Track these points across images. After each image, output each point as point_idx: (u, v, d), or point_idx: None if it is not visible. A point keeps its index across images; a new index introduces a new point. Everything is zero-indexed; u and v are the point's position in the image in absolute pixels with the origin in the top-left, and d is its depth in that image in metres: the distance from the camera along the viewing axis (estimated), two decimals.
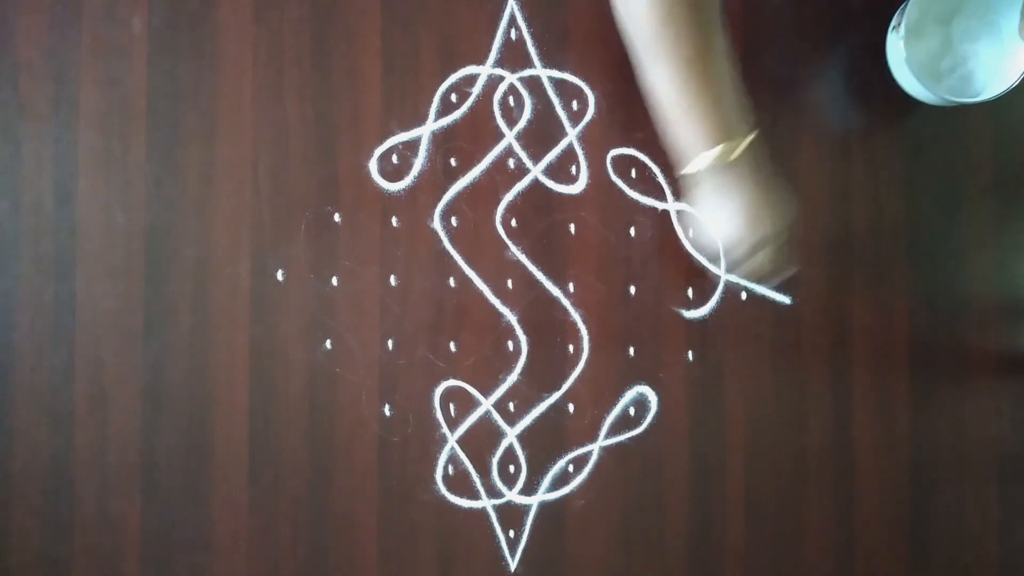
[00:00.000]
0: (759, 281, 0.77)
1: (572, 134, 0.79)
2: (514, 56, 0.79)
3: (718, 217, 0.70)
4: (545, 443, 0.78)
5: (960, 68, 0.77)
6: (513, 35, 0.79)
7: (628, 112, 0.79)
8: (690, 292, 0.79)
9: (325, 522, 0.77)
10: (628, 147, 0.79)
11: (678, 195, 0.79)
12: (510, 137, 0.78)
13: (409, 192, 0.78)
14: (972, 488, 0.80)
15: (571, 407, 0.79)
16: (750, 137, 0.66)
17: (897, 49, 0.75)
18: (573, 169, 0.79)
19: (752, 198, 0.68)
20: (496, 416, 0.78)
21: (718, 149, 0.65)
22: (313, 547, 0.77)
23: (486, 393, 0.78)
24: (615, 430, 0.79)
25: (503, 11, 0.78)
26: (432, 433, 0.78)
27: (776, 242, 0.71)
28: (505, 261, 0.78)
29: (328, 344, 0.78)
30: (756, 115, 0.68)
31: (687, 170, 0.67)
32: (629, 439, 0.79)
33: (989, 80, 0.76)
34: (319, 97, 0.78)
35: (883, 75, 0.79)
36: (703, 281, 0.79)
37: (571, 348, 0.79)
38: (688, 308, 0.79)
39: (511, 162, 0.79)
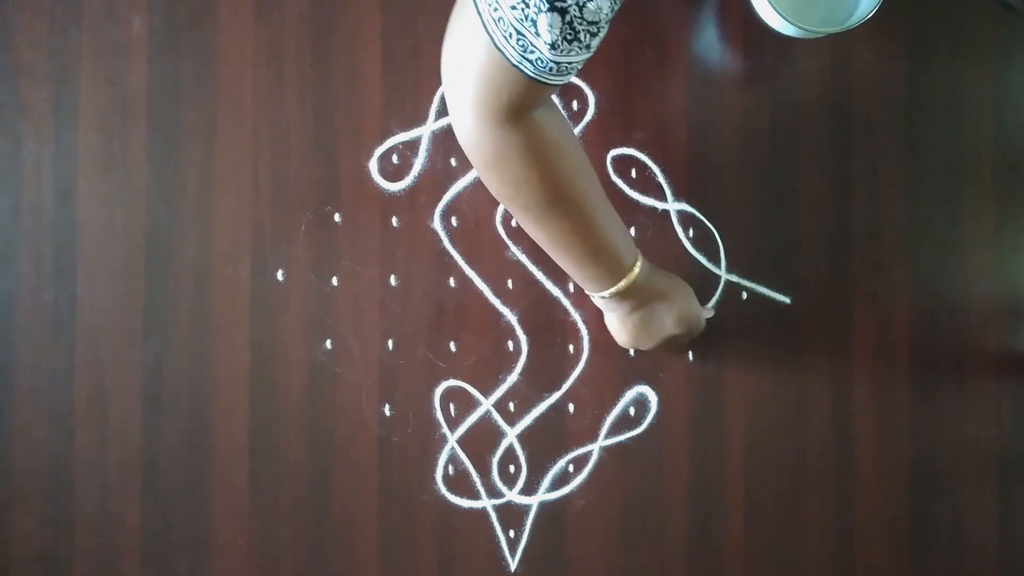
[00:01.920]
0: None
1: None
2: None
3: (631, 333, 0.73)
4: (545, 443, 0.78)
5: None
6: None
7: (628, 112, 0.79)
8: None
9: (325, 522, 0.77)
10: (628, 147, 0.79)
11: (678, 195, 0.79)
12: None
13: (409, 192, 0.78)
14: (972, 488, 0.80)
15: (571, 407, 0.79)
16: (635, 271, 0.67)
17: None
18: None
19: (656, 309, 0.71)
20: (496, 416, 0.78)
21: (614, 288, 0.67)
22: (313, 547, 0.77)
23: (486, 393, 0.78)
24: (615, 430, 0.79)
25: None
26: (432, 433, 0.78)
27: (688, 333, 0.74)
28: (505, 261, 0.78)
29: (328, 344, 0.78)
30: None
31: (598, 298, 0.69)
32: (629, 439, 0.79)
33: (856, 8, 0.74)
34: (319, 97, 0.78)
35: (750, 16, 0.77)
36: (703, 281, 0.79)
37: (571, 348, 0.79)
38: None
39: None
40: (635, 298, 0.69)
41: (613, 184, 0.79)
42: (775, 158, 0.80)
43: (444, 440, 0.78)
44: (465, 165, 0.78)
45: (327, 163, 0.78)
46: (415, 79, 0.78)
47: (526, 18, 0.50)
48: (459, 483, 0.78)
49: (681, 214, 0.79)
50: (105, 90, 0.77)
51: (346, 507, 0.77)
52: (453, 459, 0.78)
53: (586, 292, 0.70)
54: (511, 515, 0.78)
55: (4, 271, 0.77)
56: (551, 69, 0.53)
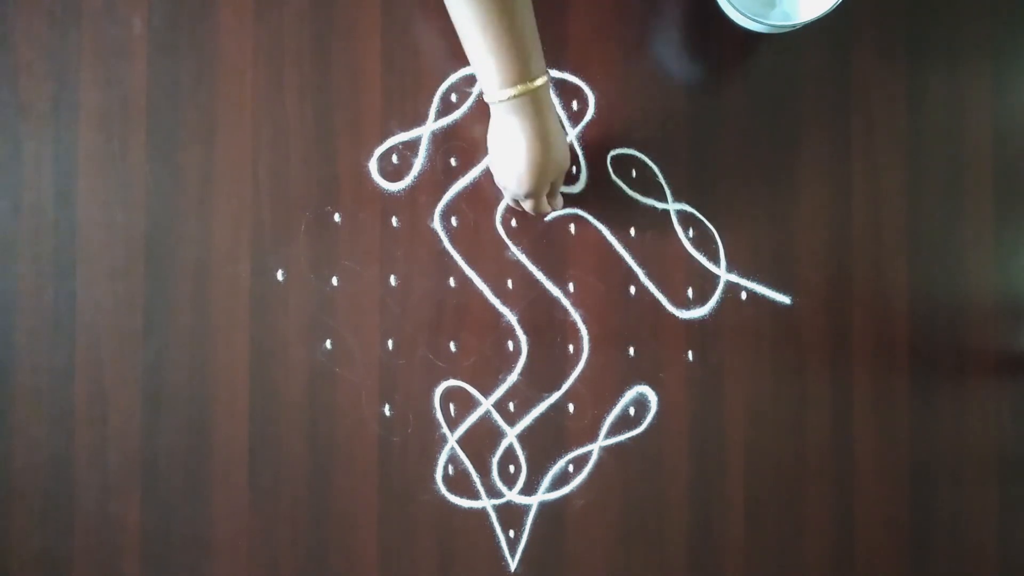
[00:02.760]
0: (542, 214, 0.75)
1: (572, 134, 0.79)
2: None
3: (496, 156, 0.70)
4: (545, 443, 0.78)
5: None
6: None
7: (628, 112, 0.79)
8: (690, 292, 0.79)
9: (325, 522, 0.77)
10: (628, 147, 0.79)
11: (678, 195, 0.79)
12: None
13: (409, 192, 0.78)
14: (972, 488, 0.80)
15: (571, 407, 0.79)
16: (540, 81, 0.64)
17: None
18: (573, 169, 0.79)
19: (528, 147, 0.67)
20: (496, 416, 0.78)
21: (514, 89, 0.64)
22: (313, 547, 0.77)
23: (486, 393, 0.78)
24: (615, 430, 0.79)
25: None
26: (432, 433, 0.78)
27: (547, 185, 0.71)
28: (505, 261, 0.78)
29: (328, 344, 0.78)
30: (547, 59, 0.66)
31: (487, 99, 0.66)
32: (629, 439, 0.79)
33: (816, 4, 0.74)
34: (319, 97, 0.78)
35: (717, 13, 0.77)
36: (703, 281, 0.79)
37: (571, 348, 0.79)
38: (688, 308, 0.79)
39: None
40: (527, 114, 0.66)
41: (613, 184, 0.79)
42: (775, 158, 0.80)
43: (444, 440, 0.78)
44: (465, 165, 0.78)
45: (327, 163, 0.78)
46: (415, 79, 0.78)
47: None
48: (459, 483, 0.78)
49: (681, 214, 0.79)
50: (105, 90, 0.77)
51: (346, 507, 0.77)
52: (453, 459, 0.78)
53: (487, 96, 0.66)
54: (511, 515, 0.78)
55: (4, 271, 0.77)
56: None
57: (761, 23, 0.73)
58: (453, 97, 0.78)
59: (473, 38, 0.63)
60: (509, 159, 0.69)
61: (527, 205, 0.74)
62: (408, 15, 0.78)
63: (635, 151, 0.79)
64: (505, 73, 0.64)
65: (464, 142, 0.78)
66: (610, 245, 0.79)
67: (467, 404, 0.78)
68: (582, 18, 0.79)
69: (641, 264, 0.79)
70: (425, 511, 0.78)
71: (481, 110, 0.78)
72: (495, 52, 0.63)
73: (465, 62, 0.78)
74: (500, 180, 0.72)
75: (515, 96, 0.64)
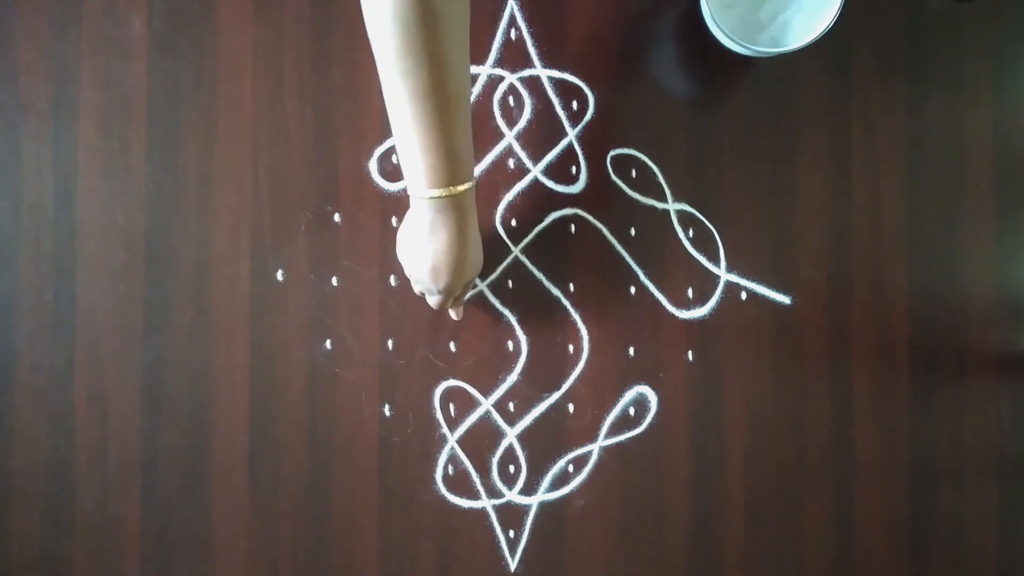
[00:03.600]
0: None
1: (572, 134, 0.79)
2: (514, 56, 0.79)
3: (411, 247, 0.68)
4: (545, 443, 0.78)
5: (779, 16, 0.76)
6: (513, 35, 0.79)
7: (628, 112, 0.79)
8: (690, 292, 0.79)
9: (325, 522, 0.77)
10: (628, 147, 0.79)
11: (678, 195, 0.79)
12: (510, 137, 0.78)
13: None
14: (972, 488, 0.80)
15: (571, 407, 0.79)
16: (466, 186, 0.64)
17: (705, 6, 0.73)
18: (573, 169, 0.79)
19: (449, 243, 0.66)
20: (496, 416, 0.78)
21: (443, 190, 0.63)
22: (313, 547, 0.77)
23: (486, 393, 0.78)
24: (615, 430, 0.79)
25: (503, 11, 0.78)
26: (432, 433, 0.78)
27: (454, 291, 0.70)
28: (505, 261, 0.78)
29: (328, 344, 0.78)
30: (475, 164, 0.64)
31: (411, 192, 0.65)
32: (629, 439, 0.79)
33: (806, 29, 0.74)
34: (319, 97, 0.78)
35: (705, 35, 0.77)
36: (703, 281, 0.79)
37: (571, 348, 0.79)
38: (688, 308, 0.79)
39: (511, 162, 0.79)
40: (452, 214, 0.65)
41: (613, 184, 0.79)
42: (775, 158, 0.80)
43: (444, 440, 0.78)
44: None
45: (327, 163, 0.78)
46: None
47: None
48: (459, 483, 0.78)
49: (681, 214, 0.79)
50: (105, 90, 0.77)
51: (346, 507, 0.77)
52: (453, 459, 0.78)
53: (411, 190, 0.64)
54: (511, 515, 0.78)
55: (4, 271, 0.77)
56: None
57: (749, 48, 0.72)
58: None
59: (412, 136, 0.61)
60: (428, 252, 0.67)
61: (433, 301, 0.72)
62: None
63: (635, 151, 0.79)
64: (437, 173, 0.62)
65: None
66: (610, 245, 0.79)
67: (467, 404, 0.78)
68: (582, 18, 0.79)
69: (641, 264, 0.79)
70: (425, 511, 0.78)
71: (481, 110, 0.78)
72: (433, 152, 0.62)
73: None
74: (415, 272, 0.69)
75: (441, 197, 0.63)
